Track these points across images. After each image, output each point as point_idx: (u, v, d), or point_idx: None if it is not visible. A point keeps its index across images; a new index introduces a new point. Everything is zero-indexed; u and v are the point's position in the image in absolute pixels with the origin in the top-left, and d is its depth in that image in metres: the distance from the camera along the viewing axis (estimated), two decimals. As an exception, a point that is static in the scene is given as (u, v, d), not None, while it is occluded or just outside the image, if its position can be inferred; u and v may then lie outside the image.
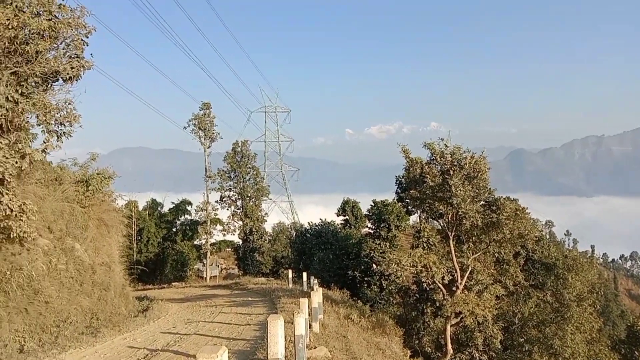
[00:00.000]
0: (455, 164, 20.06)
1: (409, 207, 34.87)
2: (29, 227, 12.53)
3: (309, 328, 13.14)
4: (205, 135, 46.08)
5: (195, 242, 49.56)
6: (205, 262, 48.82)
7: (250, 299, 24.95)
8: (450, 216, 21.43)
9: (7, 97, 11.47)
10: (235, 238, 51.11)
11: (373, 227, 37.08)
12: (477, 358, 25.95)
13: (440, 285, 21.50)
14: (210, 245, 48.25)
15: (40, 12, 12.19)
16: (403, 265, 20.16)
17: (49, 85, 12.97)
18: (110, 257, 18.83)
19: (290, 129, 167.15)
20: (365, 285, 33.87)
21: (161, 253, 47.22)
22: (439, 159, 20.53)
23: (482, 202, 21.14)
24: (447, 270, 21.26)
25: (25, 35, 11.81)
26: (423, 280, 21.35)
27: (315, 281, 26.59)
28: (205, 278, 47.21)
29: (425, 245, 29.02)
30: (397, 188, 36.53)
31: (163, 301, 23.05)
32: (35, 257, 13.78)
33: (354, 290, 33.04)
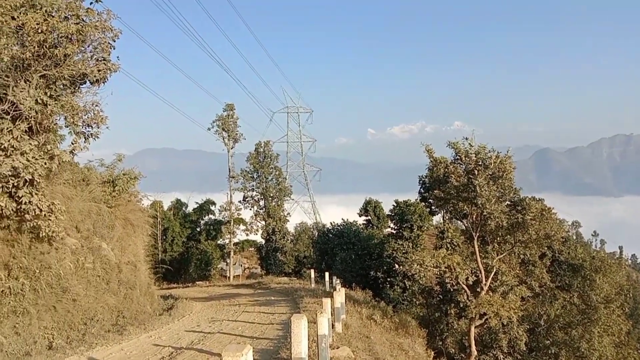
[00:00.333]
0: (480, 163, 19.83)
1: (433, 207, 34.61)
2: (57, 227, 12.81)
3: (332, 328, 13.14)
4: (228, 136, 46.49)
5: (218, 242, 50.05)
6: (228, 262, 49.22)
7: (272, 298, 25.05)
8: (474, 216, 21.21)
9: (36, 100, 11.73)
10: (258, 238, 51.45)
11: (395, 227, 36.89)
12: (502, 360, 25.61)
13: (464, 286, 21.29)
14: (234, 244, 48.64)
15: (69, 16, 12.43)
16: (426, 265, 20.02)
17: (77, 88, 13.24)
18: (136, 256, 19.11)
19: (312, 130, 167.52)
20: (388, 285, 33.73)
21: (185, 252, 47.79)
22: (463, 159, 20.33)
23: (507, 202, 20.86)
24: (471, 271, 21.04)
25: (54, 39, 12.06)
26: (447, 281, 21.13)
27: (338, 281, 26.59)
28: (229, 277, 47.58)
29: (449, 245, 28.78)
30: (420, 188, 36.29)
31: (187, 300, 23.29)
32: (64, 256, 14.07)
33: (377, 290, 32.92)
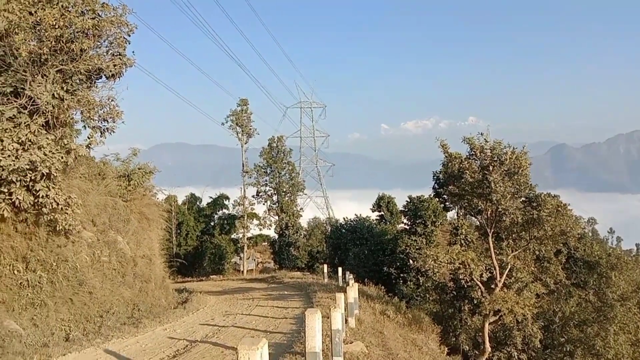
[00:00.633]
0: (496, 159, 19.66)
1: (447, 203, 34.45)
2: (74, 220, 12.95)
3: (345, 323, 13.15)
4: (242, 131, 46.56)
5: (232, 236, 50.27)
6: (242, 256, 49.43)
7: (286, 292, 25.13)
8: (489, 212, 21.05)
9: (53, 94, 11.85)
10: (272, 232, 51.58)
11: (409, 223, 36.76)
12: (516, 357, 25.44)
13: (478, 282, 21.16)
14: (247, 239, 48.81)
15: (85, 11, 12.53)
16: (440, 261, 19.94)
17: (93, 83, 13.36)
18: (151, 249, 19.27)
19: (325, 125, 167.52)
20: (401, 281, 33.65)
21: (200, 246, 48.11)
22: (478, 154, 20.17)
23: (522, 199, 20.67)
24: (485, 267, 20.90)
25: (71, 34, 12.16)
26: (461, 277, 21.02)
27: (351, 276, 26.57)
28: (242, 271, 47.80)
29: (463, 242, 28.62)
30: (435, 184, 36.11)
31: (201, 293, 23.46)
32: (80, 249, 14.24)
33: (390, 286, 32.87)
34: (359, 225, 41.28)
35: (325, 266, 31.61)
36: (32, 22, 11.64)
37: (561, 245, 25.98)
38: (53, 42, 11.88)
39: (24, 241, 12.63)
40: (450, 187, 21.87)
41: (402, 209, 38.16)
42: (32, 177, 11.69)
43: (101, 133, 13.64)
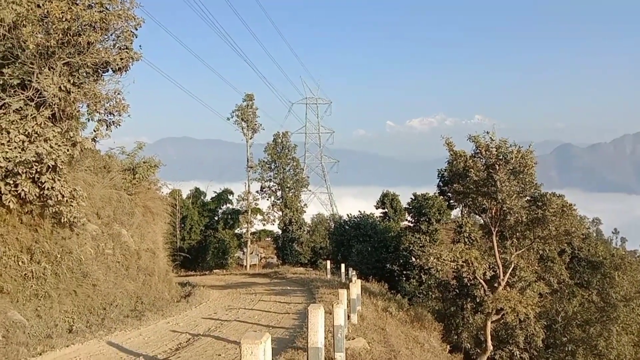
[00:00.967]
0: (501, 158, 19.61)
1: (451, 201, 34.42)
2: (78, 213, 13.01)
3: (347, 319, 13.17)
4: (247, 126, 46.60)
5: (236, 231, 50.41)
6: (245, 251, 49.55)
7: (289, 288, 25.17)
8: (494, 211, 21.01)
9: (60, 87, 11.87)
10: (275, 228, 51.71)
11: (413, 220, 36.78)
12: (518, 356, 25.44)
13: (481, 281, 21.14)
14: (251, 234, 48.92)
15: (92, 5, 12.53)
16: (443, 259, 19.92)
17: (100, 76, 13.38)
18: (155, 243, 19.34)
19: (330, 121, 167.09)
20: (404, 278, 33.68)
21: (203, 241, 48.26)
22: (484, 153, 20.11)
23: (527, 198, 20.62)
24: (489, 266, 20.88)
25: (78, 27, 12.16)
26: (464, 275, 21.02)
27: (354, 273, 26.60)
28: (246, 266, 47.91)
29: (466, 240, 28.60)
30: (439, 181, 36.10)
31: (204, 288, 23.52)
32: (84, 241, 14.31)
33: (392, 283, 32.90)
34: (362, 222, 41.30)
35: (328, 262, 31.63)
36: (39, 14, 11.66)
37: (565, 245, 25.95)
38: (60, 35, 11.89)
39: (29, 233, 12.69)
40: (455, 185, 21.83)
41: (407, 206, 38.18)
42: (38, 169, 11.74)
43: (107, 126, 13.67)
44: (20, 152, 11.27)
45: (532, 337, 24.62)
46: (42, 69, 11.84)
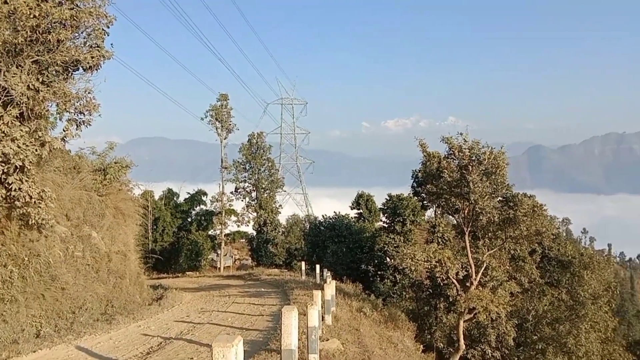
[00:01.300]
0: (474, 159, 19.84)
1: (425, 202, 34.74)
2: (47, 214, 12.71)
3: (322, 320, 13.17)
4: (222, 126, 46.29)
5: (209, 233, 49.96)
6: (219, 253, 49.18)
7: (263, 289, 25.07)
8: (466, 212, 21.26)
9: (28, 86, 11.58)
10: (250, 229, 51.45)
11: (387, 221, 36.99)
12: (490, 354, 25.80)
13: (454, 280, 21.37)
14: (225, 235, 48.59)
15: (63, 2, 12.27)
16: (417, 260, 20.06)
17: (70, 74, 13.09)
18: (126, 245, 19.03)
19: (306, 122, 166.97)
20: (378, 279, 33.85)
21: (176, 242, 47.66)
22: (457, 154, 20.34)
23: (499, 198, 20.93)
24: (461, 265, 21.11)
25: (48, 24, 11.89)
26: (437, 275, 21.19)
27: (328, 274, 26.63)
28: (219, 268, 47.55)
29: (440, 240, 28.89)
30: (413, 182, 36.39)
31: (177, 290, 23.25)
32: (53, 244, 13.98)
33: (367, 283, 33.05)
34: (337, 222, 41.39)
35: (303, 263, 31.60)
36: (6, 11, 11.36)
37: (536, 244, 26.40)
38: (29, 32, 11.61)
39: (-5, 235, 12.35)
40: (428, 185, 22.03)
41: (381, 207, 38.39)
42: (5, 170, 11.44)
43: (77, 126, 13.39)
44: (-15, 153, 10.96)
45: (503, 335, 24.99)
46: (10, 66, 11.55)
